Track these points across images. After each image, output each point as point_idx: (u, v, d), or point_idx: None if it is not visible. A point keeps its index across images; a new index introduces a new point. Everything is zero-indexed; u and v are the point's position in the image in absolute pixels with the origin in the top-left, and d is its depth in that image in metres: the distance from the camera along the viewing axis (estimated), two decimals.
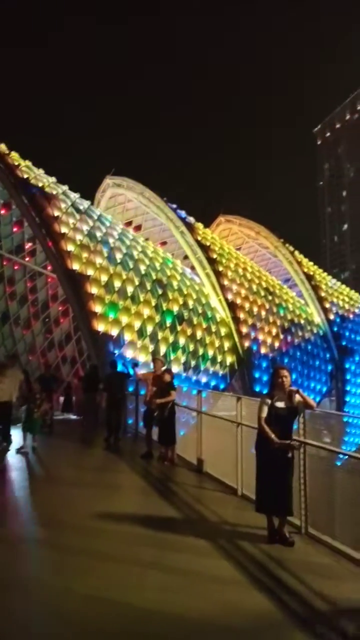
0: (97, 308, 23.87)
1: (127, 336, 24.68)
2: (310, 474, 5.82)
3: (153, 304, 27.46)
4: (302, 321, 37.86)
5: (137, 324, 25.77)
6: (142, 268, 28.54)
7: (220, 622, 3.67)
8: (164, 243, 40.92)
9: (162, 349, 26.14)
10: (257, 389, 29.03)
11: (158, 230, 41.75)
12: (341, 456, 6.52)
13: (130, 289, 26.68)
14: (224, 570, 4.64)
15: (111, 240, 28.36)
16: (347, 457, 6.33)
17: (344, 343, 39.66)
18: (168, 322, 27.58)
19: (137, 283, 27.31)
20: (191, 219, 37.14)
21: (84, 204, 29.36)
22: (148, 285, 27.98)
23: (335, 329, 39.75)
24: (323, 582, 4.37)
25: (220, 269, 33.91)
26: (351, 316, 42.62)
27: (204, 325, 29.52)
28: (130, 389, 14.27)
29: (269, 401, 5.60)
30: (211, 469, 8.60)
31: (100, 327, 23.50)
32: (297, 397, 5.59)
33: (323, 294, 41.45)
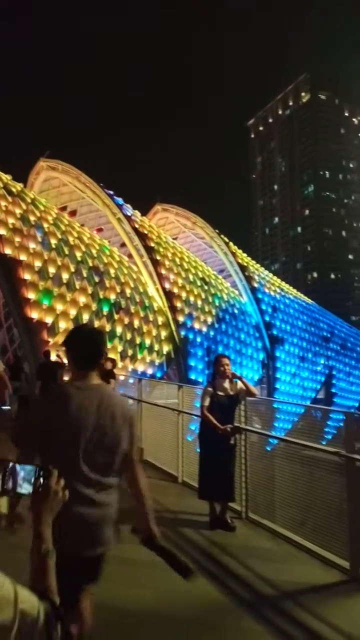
0: (31, 295, 23.10)
1: (62, 324, 24.09)
2: (250, 460, 5.96)
3: (89, 291, 26.96)
4: (236, 311, 38.66)
5: (72, 312, 25.22)
6: (78, 254, 27.90)
7: (165, 610, 3.66)
8: (100, 230, 40.19)
9: None
10: (193, 377, 29.38)
11: (94, 216, 40.92)
12: (271, 441, 6.73)
13: (65, 276, 26.02)
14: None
15: (45, 225, 27.48)
16: (276, 442, 6.56)
17: (275, 332, 40.92)
18: (105, 310, 27.21)
19: (72, 270, 26.69)
20: (128, 206, 36.70)
21: (17, 187, 28.19)
22: (84, 272, 27.42)
23: (267, 318, 40.92)
24: (265, 565, 4.48)
25: (158, 257, 33.83)
26: (282, 306, 44.03)
27: (142, 314, 29.40)
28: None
29: (211, 390, 5.65)
30: (151, 457, 8.59)
31: (33, 314, 22.78)
32: (239, 384, 5.68)
33: (256, 285, 42.47)
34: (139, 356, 28.00)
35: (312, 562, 4.58)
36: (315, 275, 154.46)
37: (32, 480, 1.41)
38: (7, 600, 1.03)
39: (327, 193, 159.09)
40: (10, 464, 1.44)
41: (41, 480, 1.39)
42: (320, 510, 5.06)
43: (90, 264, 28.19)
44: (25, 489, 1.39)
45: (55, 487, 1.40)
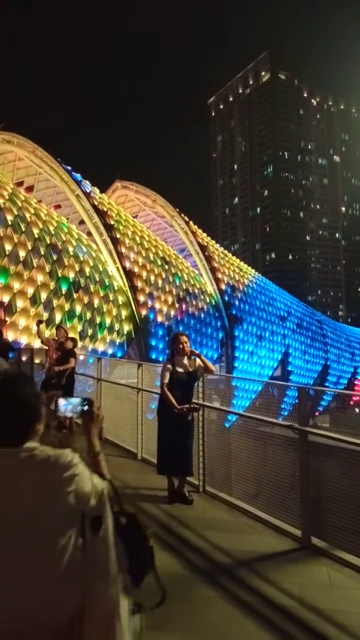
0: None
1: (20, 303, 23.61)
2: (207, 436, 6.09)
3: (47, 269, 26.46)
4: (196, 290, 38.88)
5: (30, 291, 24.72)
6: (35, 231, 27.24)
7: None
8: (58, 206, 39.27)
9: (58, 317, 25.41)
10: (154, 356, 29.51)
11: (52, 192, 39.90)
12: (230, 418, 6.91)
13: (22, 254, 25.40)
14: None
15: (1, 201, 26.60)
16: (235, 419, 6.75)
17: (233, 312, 41.46)
18: (63, 289, 26.80)
19: (29, 247, 26.07)
20: (87, 183, 35.96)
21: None
22: (42, 250, 26.84)
23: (226, 298, 41.38)
24: (222, 535, 4.63)
25: (118, 236, 33.46)
26: (241, 286, 44.57)
27: (101, 293, 29.14)
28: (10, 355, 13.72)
29: (170, 367, 5.70)
30: (110, 435, 8.64)
31: None
32: (198, 362, 5.76)
33: (216, 265, 42.74)
34: (99, 336, 27.85)
35: (267, 532, 4.77)
36: (273, 255, 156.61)
37: (80, 408, 2.00)
38: (87, 478, 1.70)
39: (286, 174, 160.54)
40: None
41: (86, 407, 1.98)
42: (273, 482, 5.26)
43: (48, 242, 27.59)
44: (72, 413, 2.02)
45: (97, 411, 1.99)
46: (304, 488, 4.62)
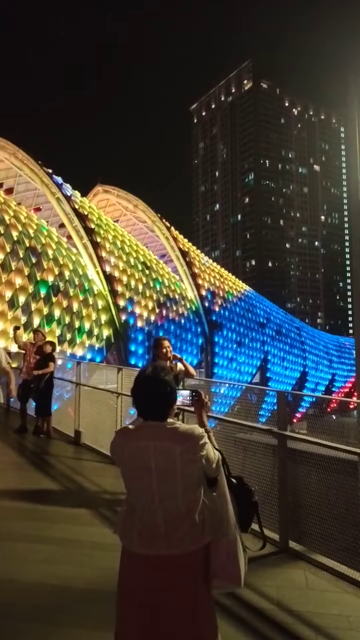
0: None
1: None
2: None
3: (26, 273, 26.21)
4: (177, 296, 38.94)
5: (8, 294, 24.45)
6: (15, 234, 26.98)
7: (104, 587, 3.72)
8: (38, 209, 38.97)
9: (36, 321, 25.17)
10: (133, 361, 29.41)
11: (32, 195, 39.59)
12: (210, 423, 6.93)
13: (0, 256, 25.10)
14: (106, 537, 4.69)
15: None
16: (214, 425, 6.78)
17: (214, 318, 41.64)
18: (42, 292, 26.57)
19: (8, 250, 25.80)
20: (68, 186, 35.79)
21: None
22: (21, 253, 26.57)
23: (207, 304, 41.53)
24: None
25: (99, 240, 33.34)
26: (221, 293, 44.80)
27: (81, 297, 28.97)
28: None
29: None
30: (89, 441, 8.58)
31: None
32: (179, 366, 5.78)
33: (196, 271, 42.90)
34: (78, 340, 27.66)
35: (245, 536, 4.79)
36: (253, 262, 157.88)
37: (190, 397, 2.58)
38: (210, 447, 2.25)
39: (267, 182, 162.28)
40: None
41: (195, 396, 2.58)
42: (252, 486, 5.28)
43: (27, 245, 27.34)
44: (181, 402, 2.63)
45: (204, 399, 2.58)
46: (283, 492, 4.67)
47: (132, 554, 2.23)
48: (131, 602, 2.21)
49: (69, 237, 33.79)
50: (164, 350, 5.72)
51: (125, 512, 2.32)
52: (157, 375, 2.28)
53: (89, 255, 32.19)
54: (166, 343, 5.83)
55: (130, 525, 2.25)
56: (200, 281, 42.47)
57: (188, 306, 39.84)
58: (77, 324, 27.81)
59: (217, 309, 42.89)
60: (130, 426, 2.29)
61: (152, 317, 34.34)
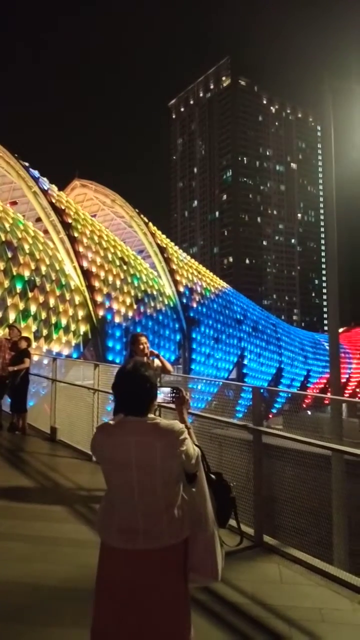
0: None
1: None
2: None
3: (2, 267, 25.80)
4: (155, 292, 38.84)
5: None
6: None
7: (81, 584, 3.71)
8: (14, 203, 38.35)
9: (12, 316, 24.82)
10: (110, 358, 29.27)
11: (8, 188, 38.94)
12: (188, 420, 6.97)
13: None
14: (82, 534, 4.70)
15: None
16: (191, 420, 6.80)
17: (191, 314, 41.70)
18: (18, 287, 26.19)
19: None
20: (45, 180, 35.32)
21: None
22: None
23: (184, 300, 41.55)
24: None
25: (76, 234, 33.01)
26: (199, 289, 44.87)
27: (58, 292, 28.65)
28: None
29: None
30: (65, 437, 8.53)
31: None
32: (156, 362, 5.79)
33: (174, 267, 42.85)
34: (55, 336, 27.38)
35: (221, 531, 4.82)
36: (231, 259, 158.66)
37: (171, 395, 2.65)
38: (190, 442, 2.30)
39: (245, 179, 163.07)
40: None
41: (176, 394, 2.64)
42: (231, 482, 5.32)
43: (3, 239, 26.91)
44: (165, 399, 2.67)
45: (185, 396, 2.64)
46: (258, 487, 4.72)
47: (111, 548, 2.25)
48: (109, 597, 2.23)
49: (46, 232, 33.38)
50: (141, 346, 5.72)
51: (105, 507, 2.35)
52: (138, 371, 2.32)
53: (66, 250, 31.86)
54: (143, 339, 5.83)
55: (109, 521, 2.27)
56: (178, 277, 42.45)
57: (166, 302, 39.80)
58: (53, 319, 27.52)
59: (194, 305, 42.96)
60: (111, 422, 2.31)
61: (130, 313, 34.22)
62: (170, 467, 2.22)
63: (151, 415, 2.31)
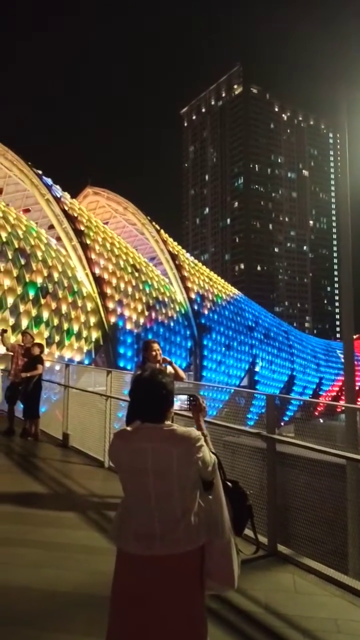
0: None
1: None
2: None
3: (15, 274, 26.03)
4: (166, 299, 38.91)
5: None
6: (3, 235, 26.80)
7: (92, 591, 3.70)
8: (27, 210, 38.77)
9: (24, 323, 24.99)
10: (122, 364, 29.32)
11: (21, 196, 39.39)
12: None
13: None
14: (94, 540, 4.69)
15: None
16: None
17: (202, 321, 41.68)
18: (31, 294, 26.40)
19: None
20: (58, 187, 35.67)
21: None
22: (9, 254, 26.40)
23: (196, 307, 41.56)
24: None
25: (88, 242, 33.23)
26: (210, 296, 44.86)
27: (70, 299, 28.82)
28: None
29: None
30: (77, 443, 8.53)
31: None
32: (169, 369, 5.77)
33: (186, 274, 42.92)
34: (66, 342, 27.51)
35: (236, 540, 4.78)
36: (242, 266, 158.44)
37: (188, 402, 2.67)
38: (207, 450, 2.29)
39: (256, 186, 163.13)
40: None
41: (193, 402, 2.65)
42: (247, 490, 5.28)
43: (16, 246, 27.18)
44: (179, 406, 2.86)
45: (202, 404, 2.66)
46: (271, 496, 4.67)
47: (128, 554, 2.25)
48: (125, 603, 2.22)
49: (59, 239, 33.65)
50: (154, 353, 5.71)
51: (121, 514, 2.35)
52: (156, 377, 2.34)
53: (78, 257, 32.07)
54: (156, 346, 5.81)
55: (126, 527, 2.27)
56: (189, 284, 42.50)
57: (177, 309, 39.84)
58: (65, 326, 27.66)
59: (206, 312, 42.94)
60: (128, 428, 2.32)
61: (142, 320, 34.29)
62: (187, 474, 2.22)
63: (168, 422, 2.32)
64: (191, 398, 2.69)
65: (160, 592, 2.19)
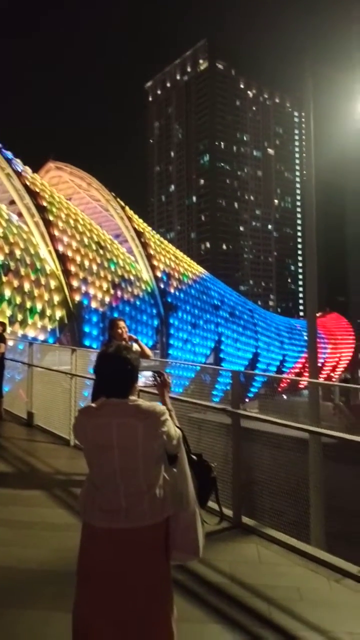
0: None
1: None
2: None
3: None
4: (132, 277, 38.58)
5: None
6: None
7: (58, 567, 3.70)
8: None
9: None
10: (87, 343, 29.05)
11: None
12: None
13: None
14: (59, 517, 4.68)
15: None
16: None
17: (169, 300, 41.63)
18: None
19: None
20: (18, 161, 34.51)
21: None
22: None
23: (162, 286, 41.41)
24: None
25: (51, 218, 32.44)
26: (176, 274, 44.75)
27: (33, 277, 28.19)
28: None
29: None
30: (42, 422, 8.46)
31: None
32: (135, 346, 5.74)
33: (152, 252, 42.57)
34: (30, 321, 27.01)
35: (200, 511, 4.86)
36: (208, 245, 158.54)
37: (153, 378, 2.69)
38: (171, 424, 2.32)
39: (222, 164, 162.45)
40: None
41: (158, 378, 2.69)
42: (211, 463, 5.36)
43: None
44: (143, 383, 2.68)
45: (166, 379, 2.71)
46: (236, 470, 4.76)
47: (94, 528, 2.27)
48: (92, 578, 2.25)
49: (20, 215, 32.68)
50: (120, 331, 5.67)
51: (87, 488, 2.37)
52: (120, 353, 2.37)
53: (41, 234, 31.28)
54: (122, 324, 5.78)
55: (91, 501, 2.30)
56: (155, 262, 42.19)
57: (143, 287, 39.58)
58: (28, 304, 27.10)
59: (172, 290, 42.82)
60: (93, 405, 2.33)
61: (107, 298, 33.93)
62: (152, 448, 2.25)
63: (133, 397, 2.33)
64: (156, 374, 2.71)
65: (126, 564, 2.22)
